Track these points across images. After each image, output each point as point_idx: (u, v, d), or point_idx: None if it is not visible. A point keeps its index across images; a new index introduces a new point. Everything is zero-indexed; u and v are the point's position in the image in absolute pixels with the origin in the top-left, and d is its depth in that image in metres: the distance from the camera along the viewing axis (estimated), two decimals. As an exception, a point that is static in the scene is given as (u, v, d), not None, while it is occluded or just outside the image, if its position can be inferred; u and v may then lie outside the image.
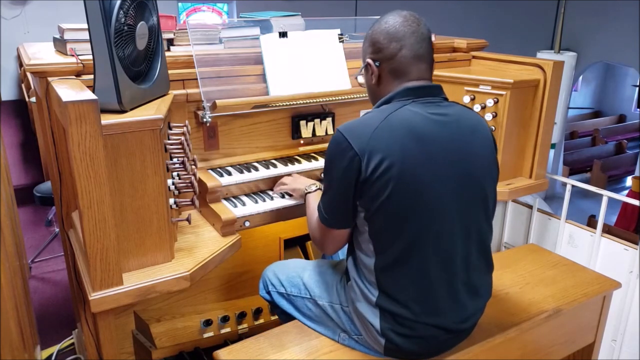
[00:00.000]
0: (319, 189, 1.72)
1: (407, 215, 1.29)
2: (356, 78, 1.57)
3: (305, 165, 2.02)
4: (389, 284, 1.35)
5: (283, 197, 1.88)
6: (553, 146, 7.81)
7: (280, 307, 1.69)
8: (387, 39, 1.37)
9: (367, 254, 1.37)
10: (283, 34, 2.07)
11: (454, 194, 1.32)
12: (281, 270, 1.72)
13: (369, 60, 1.42)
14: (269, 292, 1.73)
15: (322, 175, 1.43)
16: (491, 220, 1.46)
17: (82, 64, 1.67)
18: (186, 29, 1.93)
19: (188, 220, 1.58)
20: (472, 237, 1.38)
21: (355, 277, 1.43)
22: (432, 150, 1.29)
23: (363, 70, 1.47)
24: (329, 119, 2.17)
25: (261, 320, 2.16)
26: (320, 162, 2.05)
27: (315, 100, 2.05)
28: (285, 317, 1.73)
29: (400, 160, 1.25)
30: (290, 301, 1.66)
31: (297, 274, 1.67)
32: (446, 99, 1.41)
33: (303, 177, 1.90)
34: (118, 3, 1.38)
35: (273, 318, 2.14)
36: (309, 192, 1.71)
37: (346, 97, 2.12)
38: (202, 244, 1.63)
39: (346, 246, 1.50)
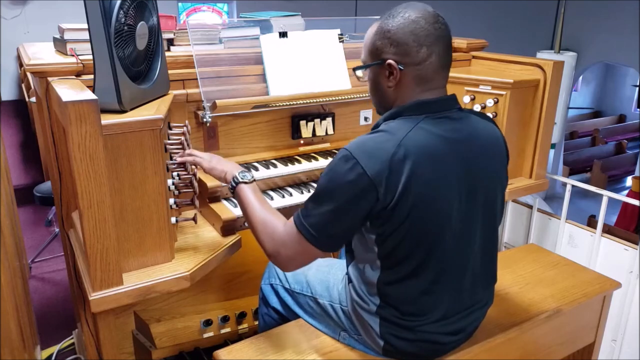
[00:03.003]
0: (254, 180, 1.50)
1: (422, 238, 1.27)
2: (354, 71, 1.38)
3: (305, 165, 2.02)
4: (392, 297, 1.34)
5: (283, 197, 1.87)
6: (553, 146, 7.81)
7: (285, 302, 1.69)
8: (416, 43, 1.23)
9: (372, 268, 1.35)
10: (283, 34, 2.07)
11: (466, 211, 1.31)
12: None
13: (392, 62, 1.26)
14: (272, 285, 1.73)
15: (318, 189, 1.28)
16: (497, 234, 1.45)
17: (82, 64, 1.67)
18: (186, 29, 1.93)
19: (194, 219, 1.58)
20: (480, 252, 1.39)
21: (355, 283, 1.42)
22: (446, 172, 1.25)
23: (375, 69, 1.32)
24: (329, 119, 2.16)
25: (261, 320, 2.16)
26: (320, 162, 2.05)
27: (315, 100, 2.05)
28: (270, 319, 1.74)
29: (417, 186, 1.21)
30: (294, 297, 1.66)
31: (302, 272, 1.64)
32: (460, 109, 1.35)
33: (224, 160, 1.60)
34: (118, 3, 1.38)
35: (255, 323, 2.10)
36: (244, 182, 1.46)
37: (346, 97, 2.12)
38: (202, 244, 1.63)
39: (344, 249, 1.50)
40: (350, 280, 1.46)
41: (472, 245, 1.35)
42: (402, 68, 1.27)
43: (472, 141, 1.31)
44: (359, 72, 1.37)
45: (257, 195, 1.44)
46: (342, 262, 1.64)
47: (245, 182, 1.46)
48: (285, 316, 1.71)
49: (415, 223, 1.24)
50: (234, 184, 1.48)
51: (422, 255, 1.28)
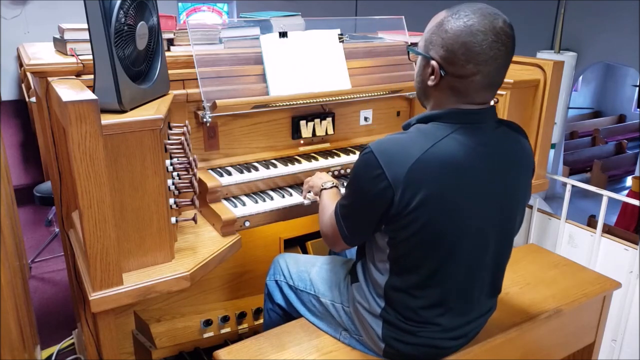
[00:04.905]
0: (335, 186, 1.67)
1: (434, 249, 1.25)
2: (408, 51, 1.35)
3: (305, 165, 2.02)
4: (398, 303, 1.34)
5: (283, 197, 1.88)
6: (553, 146, 7.81)
7: (288, 299, 1.70)
8: (465, 57, 1.16)
9: (380, 271, 1.35)
10: (283, 34, 2.07)
11: (485, 227, 1.28)
12: (293, 262, 1.73)
13: (435, 64, 1.21)
14: (276, 282, 1.74)
15: (345, 187, 1.36)
16: (511, 249, 1.42)
17: (82, 64, 1.67)
18: (186, 29, 1.93)
19: (194, 219, 1.58)
20: (491, 266, 1.37)
21: (363, 283, 1.43)
22: (471, 186, 1.22)
23: (422, 61, 1.28)
24: (329, 119, 2.17)
25: (261, 320, 2.15)
26: (320, 162, 2.05)
27: (315, 100, 2.05)
28: (275, 315, 1.75)
29: (436, 196, 1.18)
30: (297, 295, 1.67)
31: (305, 269, 1.68)
32: (496, 120, 1.30)
33: (324, 174, 1.82)
34: (118, 3, 1.38)
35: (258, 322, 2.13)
36: (325, 189, 1.65)
37: (346, 97, 2.12)
38: (202, 244, 1.63)
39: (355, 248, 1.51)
40: (355, 280, 1.46)
41: (485, 260, 1.33)
42: (442, 74, 1.21)
43: (502, 155, 1.28)
44: (411, 54, 1.33)
45: (332, 195, 1.62)
46: (346, 261, 1.66)
47: (326, 189, 1.66)
48: (289, 313, 1.72)
49: (430, 235, 1.22)
50: (320, 192, 1.69)
51: (434, 267, 1.27)
